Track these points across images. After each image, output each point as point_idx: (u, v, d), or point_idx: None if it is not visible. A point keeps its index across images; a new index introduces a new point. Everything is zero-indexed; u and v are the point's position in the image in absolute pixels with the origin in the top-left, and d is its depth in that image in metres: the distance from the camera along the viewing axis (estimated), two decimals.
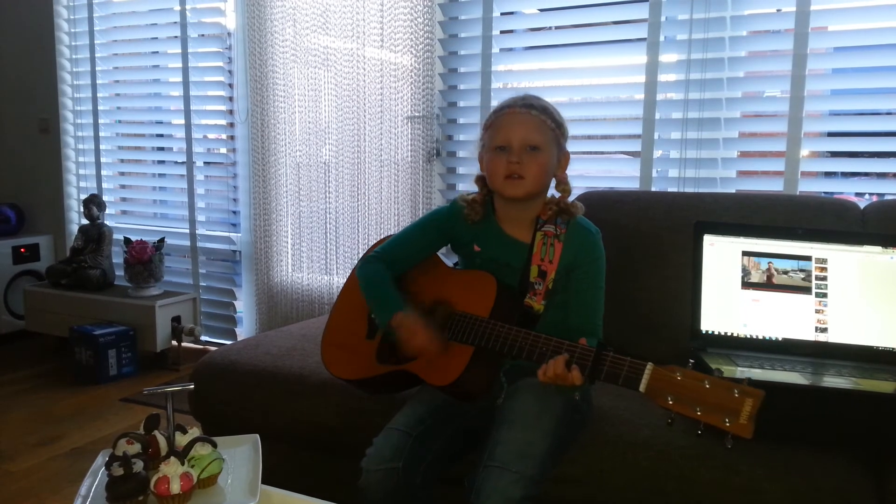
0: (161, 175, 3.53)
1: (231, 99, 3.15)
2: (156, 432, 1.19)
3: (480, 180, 1.50)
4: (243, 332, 3.26)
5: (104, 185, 3.57)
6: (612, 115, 2.62)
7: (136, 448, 1.13)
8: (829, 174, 2.29)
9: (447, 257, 1.59)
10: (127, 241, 3.19)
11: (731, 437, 1.05)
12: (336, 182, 2.88)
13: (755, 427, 1.04)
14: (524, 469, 1.22)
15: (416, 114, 2.67)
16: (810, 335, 1.50)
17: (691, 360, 1.13)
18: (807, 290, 1.52)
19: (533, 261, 1.42)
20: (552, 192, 1.48)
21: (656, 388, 1.12)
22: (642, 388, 1.13)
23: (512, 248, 1.46)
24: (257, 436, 1.27)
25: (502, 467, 1.22)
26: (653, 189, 2.39)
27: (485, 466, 1.25)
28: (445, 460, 1.38)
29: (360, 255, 1.59)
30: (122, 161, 3.60)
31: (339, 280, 2.90)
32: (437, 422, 1.37)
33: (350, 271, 1.63)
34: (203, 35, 3.24)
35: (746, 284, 1.55)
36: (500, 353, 1.31)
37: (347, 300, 1.61)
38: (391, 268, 1.50)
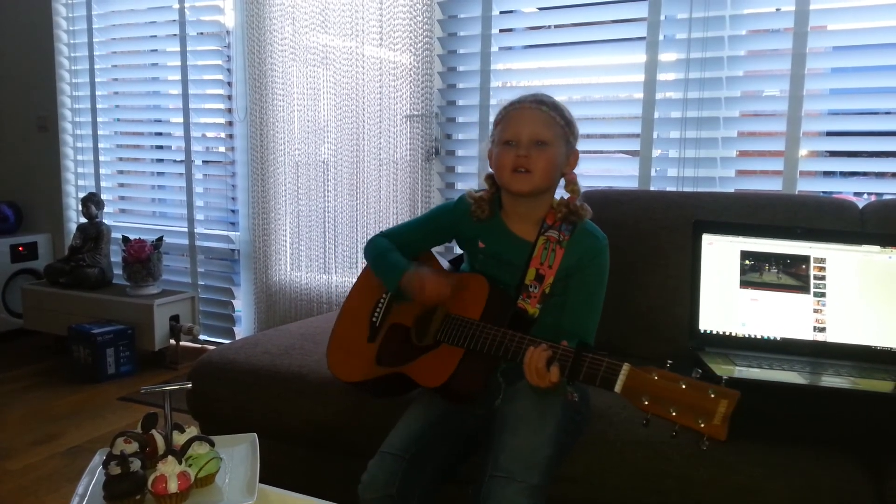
0: (160, 174, 3.53)
1: (230, 97, 3.15)
2: (153, 431, 1.19)
3: (490, 178, 1.50)
4: (242, 331, 3.26)
5: (102, 184, 3.57)
6: (610, 114, 2.62)
7: (133, 447, 1.13)
8: (827, 174, 2.29)
9: (444, 258, 1.59)
10: (125, 239, 3.19)
11: (706, 438, 1.03)
12: (335, 181, 2.88)
13: (730, 427, 1.01)
14: (529, 478, 1.21)
15: (415, 112, 2.67)
16: (809, 335, 1.50)
17: (669, 361, 1.12)
18: (805, 290, 1.52)
19: (532, 263, 1.41)
20: (561, 192, 1.47)
21: (632, 389, 1.10)
22: (618, 388, 1.12)
23: (515, 245, 1.45)
24: (255, 435, 1.27)
25: (508, 477, 1.21)
26: (651, 188, 2.38)
27: (490, 476, 1.23)
28: (446, 471, 1.37)
29: (359, 255, 1.60)
30: (120, 159, 3.60)
31: (337, 279, 2.89)
32: (432, 439, 1.35)
33: (349, 270, 1.64)
34: (202, 33, 3.23)
35: (745, 284, 1.55)
36: (489, 355, 1.30)
37: (352, 303, 1.63)
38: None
